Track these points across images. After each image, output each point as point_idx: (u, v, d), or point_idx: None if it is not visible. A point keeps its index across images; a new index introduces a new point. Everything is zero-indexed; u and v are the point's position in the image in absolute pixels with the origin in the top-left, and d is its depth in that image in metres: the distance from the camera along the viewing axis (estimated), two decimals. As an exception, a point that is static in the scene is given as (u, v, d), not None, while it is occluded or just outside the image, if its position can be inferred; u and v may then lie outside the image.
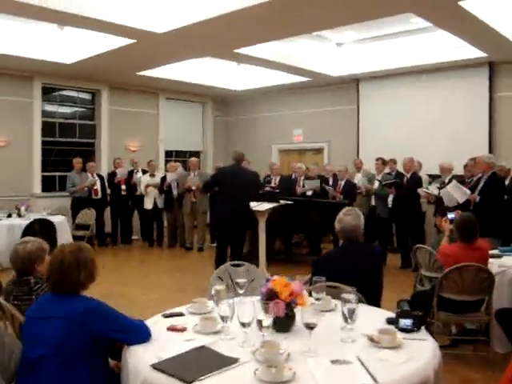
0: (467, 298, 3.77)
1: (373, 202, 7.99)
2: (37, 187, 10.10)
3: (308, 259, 8.07)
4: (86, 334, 2.19)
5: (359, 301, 2.94)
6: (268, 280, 2.49)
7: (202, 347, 2.20)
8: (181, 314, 2.72)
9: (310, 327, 2.15)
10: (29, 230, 7.03)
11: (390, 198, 7.87)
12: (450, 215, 4.48)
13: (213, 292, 2.61)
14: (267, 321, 2.17)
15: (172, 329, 2.46)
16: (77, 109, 11.15)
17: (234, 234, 6.67)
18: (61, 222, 8.14)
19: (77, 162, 9.38)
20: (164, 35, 7.30)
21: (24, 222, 7.24)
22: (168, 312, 2.74)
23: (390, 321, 2.47)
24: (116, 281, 6.96)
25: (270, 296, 2.38)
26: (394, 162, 8.43)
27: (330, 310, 2.69)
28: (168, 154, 12.61)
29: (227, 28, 7.04)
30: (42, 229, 7.13)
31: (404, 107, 10.13)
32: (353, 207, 3.48)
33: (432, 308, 3.82)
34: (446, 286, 3.77)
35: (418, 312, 2.40)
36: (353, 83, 10.94)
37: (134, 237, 10.45)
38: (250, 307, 2.20)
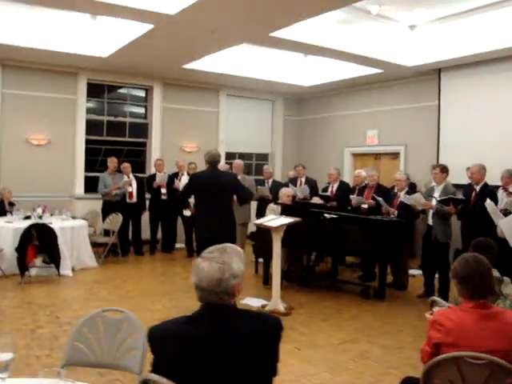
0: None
1: (430, 222, 6.00)
2: (79, 188, 9.59)
3: (355, 289, 6.58)
4: None
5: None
6: None
7: None
8: None
9: None
10: (26, 236, 6.44)
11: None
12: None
13: None
14: None
15: None
16: (128, 106, 10.52)
17: None
18: (77, 227, 7.51)
19: (111, 161, 8.67)
20: (179, 16, 6.25)
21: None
22: None
23: None
24: (115, 299, 6.01)
25: None
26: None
27: None
28: (230, 156, 11.51)
29: (247, 3, 5.81)
30: (38, 235, 6.47)
31: (498, 103, 7.86)
32: (227, 244, 1.90)
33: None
34: (435, 384, 2.18)
35: None
36: (433, 74, 8.91)
37: (178, 245, 9.56)
38: None
